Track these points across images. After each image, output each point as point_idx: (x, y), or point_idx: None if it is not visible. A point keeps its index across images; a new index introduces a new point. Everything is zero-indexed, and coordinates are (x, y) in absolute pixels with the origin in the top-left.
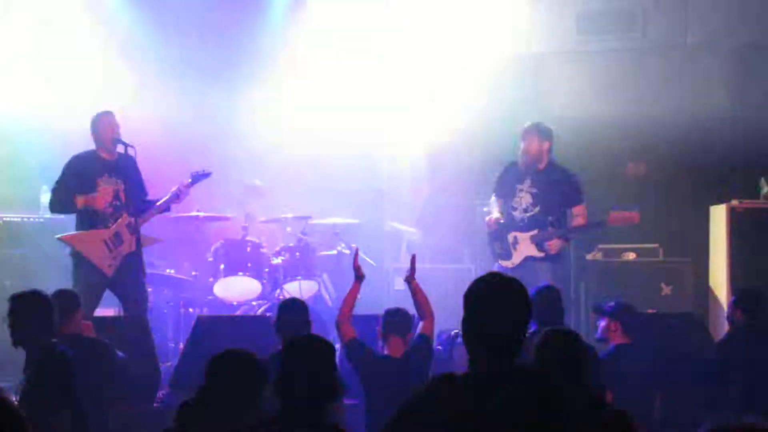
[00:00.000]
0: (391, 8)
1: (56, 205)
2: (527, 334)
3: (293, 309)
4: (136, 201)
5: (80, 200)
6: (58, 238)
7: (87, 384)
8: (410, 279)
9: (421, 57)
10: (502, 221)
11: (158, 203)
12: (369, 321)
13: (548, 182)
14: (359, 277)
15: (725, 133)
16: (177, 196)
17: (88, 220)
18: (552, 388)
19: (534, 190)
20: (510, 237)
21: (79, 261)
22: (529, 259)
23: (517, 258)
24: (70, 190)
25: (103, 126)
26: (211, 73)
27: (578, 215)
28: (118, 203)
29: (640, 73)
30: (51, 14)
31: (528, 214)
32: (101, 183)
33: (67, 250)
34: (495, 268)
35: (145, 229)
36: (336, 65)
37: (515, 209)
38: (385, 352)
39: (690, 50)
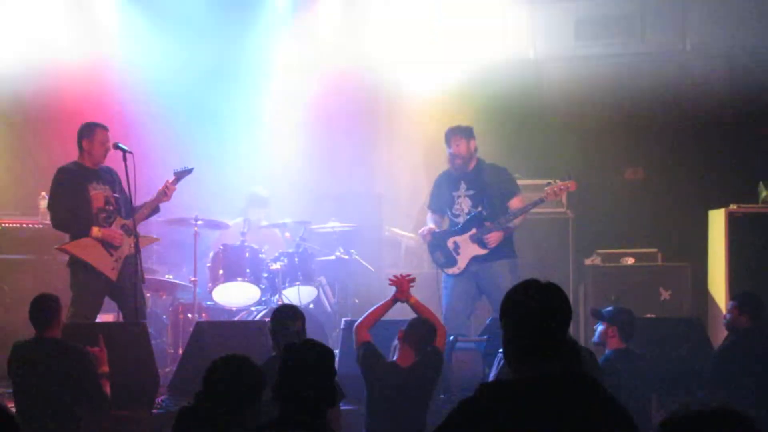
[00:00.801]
0: (392, 14)
1: (60, 226)
2: None
3: (286, 317)
4: (126, 205)
5: (95, 230)
6: (57, 249)
7: (53, 389)
8: (404, 299)
9: (421, 62)
10: (436, 230)
11: (147, 203)
12: (378, 327)
13: (482, 181)
14: (397, 298)
15: (724, 138)
16: (165, 194)
17: (80, 229)
18: (605, 392)
19: (471, 192)
20: (450, 243)
21: (79, 268)
22: (475, 260)
23: (462, 262)
24: (68, 206)
25: (98, 141)
26: (210, 76)
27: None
28: (111, 208)
29: (638, 78)
30: (47, 21)
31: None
32: (92, 189)
33: (66, 259)
34: (443, 278)
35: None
36: (334, 68)
37: (458, 216)
38: (395, 358)
39: (688, 55)
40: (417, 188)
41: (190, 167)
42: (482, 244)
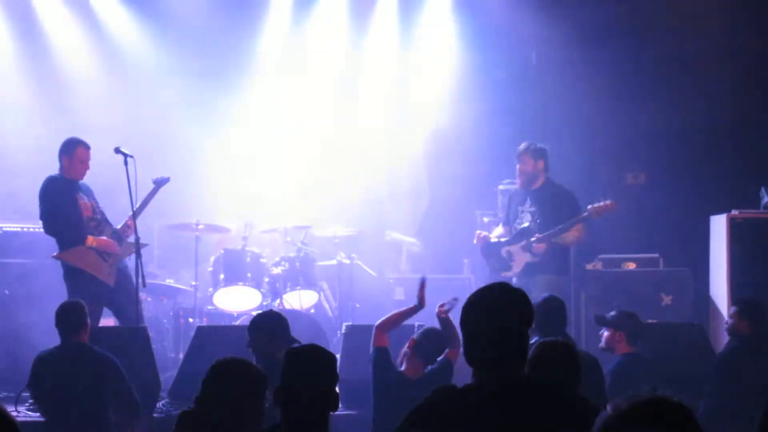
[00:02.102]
0: (397, 22)
1: (56, 233)
2: (529, 344)
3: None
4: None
5: (90, 239)
6: (54, 257)
7: (86, 393)
8: (442, 314)
9: (424, 67)
10: (490, 239)
11: (134, 212)
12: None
13: (544, 199)
14: (420, 305)
15: (726, 143)
16: (148, 202)
17: (74, 236)
18: (558, 400)
19: (533, 209)
20: (504, 252)
21: (76, 276)
22: (528, 267)
23: (517, 267)
24: (63, 214)
25: (78, 159)
26: (209, 80)
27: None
28: (99, 217)
29: (640, 84)
30: (47, 24)
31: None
32: (80, 199)
33: (62, 268)
34: (502, 279)
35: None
36: (336, 75)
37: (517, 228)
38: (403, 368)
39: (690, 60)
40: (419, 193)
41: (166, 177)
42: (533, 253)
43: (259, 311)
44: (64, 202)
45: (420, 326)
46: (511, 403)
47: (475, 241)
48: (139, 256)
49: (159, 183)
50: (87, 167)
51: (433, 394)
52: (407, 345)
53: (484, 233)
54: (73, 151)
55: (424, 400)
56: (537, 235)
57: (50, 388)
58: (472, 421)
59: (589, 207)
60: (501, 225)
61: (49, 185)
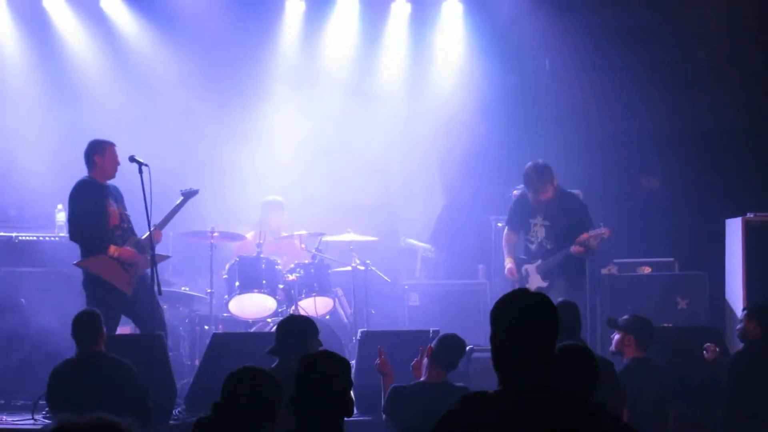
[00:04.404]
0: (409, 29)
1: (80, 239)
2: None
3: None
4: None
5: (113, 249)
6: (75, 264)
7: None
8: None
9: (437, 74)
10: (515, 272)
11: (159, 223)
12: (394, 337)
13: (559, 213)
14: (382, 372)
15: (741, 146)
16: (174, 214)
17: (97, 244)
18: (582, 406)
19: (547, 223)
20: (523, 270)
21: (96, 284)
22: (537, 291)
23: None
24: (91, 221)
25: (110, 157)
26: (224, 87)
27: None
28: (125, 225)
29: (654, 88)
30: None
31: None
32: (109, 206)
33: (81, 274)
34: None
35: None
36: (349, 82)
37: (531, 242)
38: (424, 377)
39: (704, 64)
40: (433, 198)
41: (195, 188)
42: (545, 275)
43: (280, 317)
44: (92, 210)
45: (435, 332)
46: (541, 410)
47: (510, 277)
48: (154, 264)
49: (187, 195)
50: (119, 164)
51: (463, 400)
52: (425, 354)
53: (510, 267)
54: (106, 150)
55: (454, 405)
56: (555, 255)
57: (68, 399)
58: (503, 428)
59: (582, 236)
60: (507, 229)
61: (81, 191)
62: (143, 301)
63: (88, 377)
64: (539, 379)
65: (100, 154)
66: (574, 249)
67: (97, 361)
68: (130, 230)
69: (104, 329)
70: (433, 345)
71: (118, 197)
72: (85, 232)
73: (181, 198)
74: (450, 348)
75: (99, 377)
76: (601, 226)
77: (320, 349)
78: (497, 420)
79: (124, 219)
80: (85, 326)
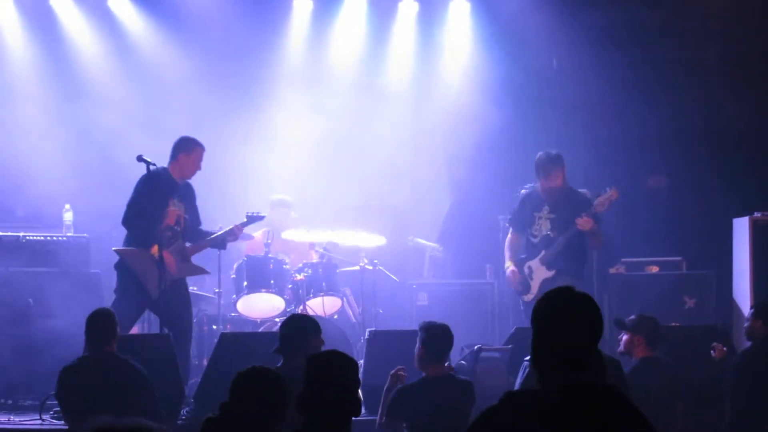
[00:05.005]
0: (417, 28)
1: (131, 226)
2: None
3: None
4: (192, 229)
5: (154, 249)
6: (114, 250)
7: (113, 403)
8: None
9: (445, 72)
10: (518, 274)
11: (212, 237)
12: (402, 337)
13: (564, 205)
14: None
15: (748, 145)
16: (233, 234)
17: (143, 238)
18: (630, 405)
19: (552, 216)
20: (525, 269)
21: (125, 275)
22: (545, 283)
23: (534, 287)
24: (147, 212)
25: (195, 159)
26: (231, 87)
27: None
28: (178, 228)
29: (661, 87)
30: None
31: (546, 238)
32: (171, 204)
33: (92, 271)
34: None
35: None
36: (357, 81)
37: (535, 236)
38: (424, 373)
39: (711, 63)
40: (441, 198)
41: (262, 214)
42: (549, 265)
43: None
44: (152, 204)
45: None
46: (586, 409)
47: (510, 283)
48: (162, 264)
49: (252, 219)
50: (199, 169)
51: (506, 397)
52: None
53: (512, 270)
54: (193, 151)
55: (497, 403)
56: (557, 241)
57: (78, 398)
58: (547, 427)
59: (595, 202)
60: (511, 232)
61: (149, 181)
62: (174, 301)
63: (98, 377)
64: (582, 378)
65: (186, 152)
66: (582, 220)
67: (109, 361)
68: (181, 234)
69: (117, 330)
70: (420, 336)
71: (185, 197)
72: (136, 222)
73: (245, 221)
74: (434, 342)
75: (109, 378)
76: (607, 190)
77: (328, 348)
78: (540, 418)
79: (179, 221)
80: (99, 326)
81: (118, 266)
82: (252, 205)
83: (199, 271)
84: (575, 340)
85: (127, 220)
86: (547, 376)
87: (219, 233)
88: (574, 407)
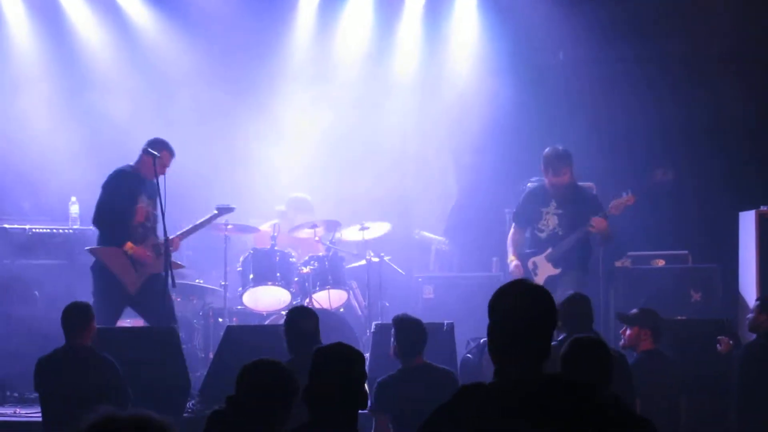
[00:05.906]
0: (423, 21)
1: (102, 225)
2: (555, 342)
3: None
4: (158, 220)
5: (129, 245)
6: (87, 250)
7: (85, 396)
8: None
9: (451, 65)
10: (521, 268)
11: (183, 231)
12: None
13: (572, 201)
14: None
15: (755, 138)
16: (202, 227)
17: (116, 236)
18: (585, 397)
19: (560, 211)
20: (530, 264)
21: (102, 274)
22: (549, 279)
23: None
24: (117, 211)
25: (162, 163)
26: (238, 80)
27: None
28: (149, 225)
29: (668, 80)
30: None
31: (553, 234)
32: (140, 202)
33: (91, 261)
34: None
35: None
36: (363, 74)
37: (541, 231)
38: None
39: (719, 56)
40: (447, 191)
41: (232, 206)
42: (556, 263)
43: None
44: (122, 203)
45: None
46: (541, 400)
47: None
48: (168, 256)
49: (222, 211)
50: (164, 173)
51: (461, 390)
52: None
53: (516, 263)
54: (164, 151)
55: (452, 397)
56: (565, 240)
57: (52, 390)
58: (503, 419)
59: (610, 204)
60: (514, 227)
61: (116, 180)
62: (152, 295)
63: (72, 370)
64: (537, 370)
65: (157, 153)
66: (594, 222)
67: (82, 355)
68: (153, 230)
69: (93, 324)
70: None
71: (152, 193)
72: (108, 221)
73: (215, 212)
74: (404, 328)
75: (81, 371)
76: (624, 194)
77: (334, 341)
78: (496, 411)
79: (150, 218)
80: (72, 319)
81: (93, 268)
82: (260, 198)
83: (175, 265)
84: (524, 333)
85: (99, 220)
86: (502, 369)
87: (189, 227)
88: (528, 401)
